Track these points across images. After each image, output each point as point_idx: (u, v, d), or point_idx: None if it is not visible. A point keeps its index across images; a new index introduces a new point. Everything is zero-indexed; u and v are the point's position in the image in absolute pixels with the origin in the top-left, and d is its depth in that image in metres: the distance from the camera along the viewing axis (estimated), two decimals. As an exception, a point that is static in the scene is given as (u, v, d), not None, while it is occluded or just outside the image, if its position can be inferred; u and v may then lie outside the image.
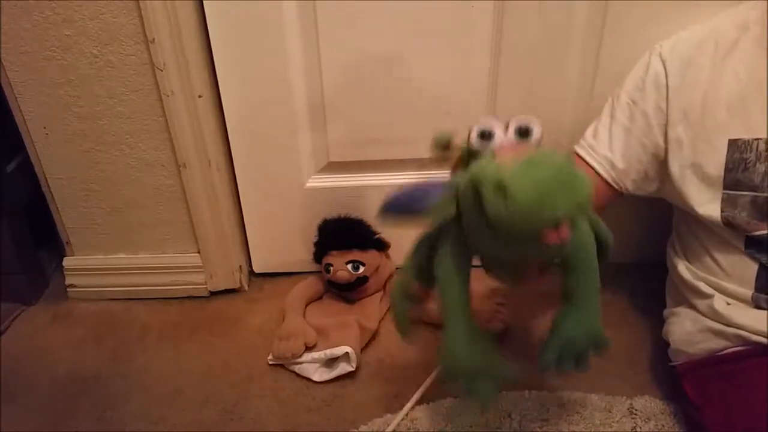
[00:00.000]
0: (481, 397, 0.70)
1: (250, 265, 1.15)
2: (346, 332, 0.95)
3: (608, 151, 0.83)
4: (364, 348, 0.97)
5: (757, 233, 0.72)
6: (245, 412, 0.88)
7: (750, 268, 0.74)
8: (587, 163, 0.84)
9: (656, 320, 0.91)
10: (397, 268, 1.05)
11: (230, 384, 0.93)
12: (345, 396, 0.90)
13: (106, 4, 0.86)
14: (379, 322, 1.01)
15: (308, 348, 0.94)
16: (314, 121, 1.00)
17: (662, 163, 0.80)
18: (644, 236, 1.07)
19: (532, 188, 0.50)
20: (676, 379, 0.82)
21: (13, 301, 1.11)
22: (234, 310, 1.08)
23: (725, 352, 0.75)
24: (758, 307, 0.74)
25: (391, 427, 0.83)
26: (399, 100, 0.96)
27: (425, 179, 0.63)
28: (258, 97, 0.97)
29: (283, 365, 0.95)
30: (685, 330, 0.81)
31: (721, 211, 0.74)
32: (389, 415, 0.85)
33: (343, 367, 0.92)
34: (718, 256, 0.78)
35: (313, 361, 0.93)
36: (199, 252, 1.09)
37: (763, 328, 0.71)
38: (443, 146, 0.64)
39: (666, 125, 0.77)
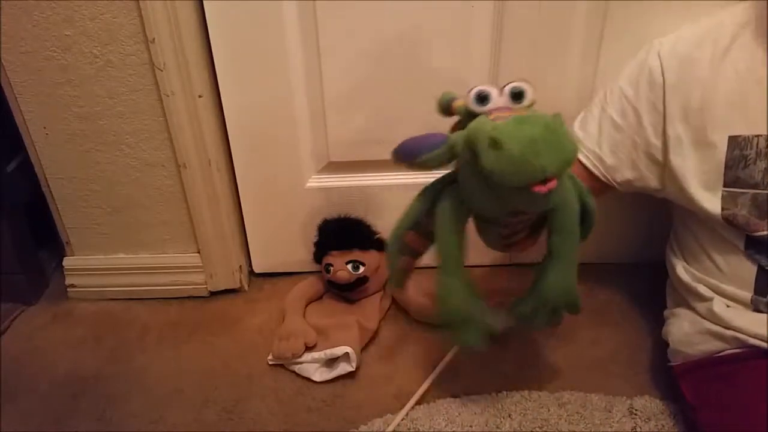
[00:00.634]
0: (471, 343, 0.77)
1: (250, 265, 1.15)
2: (346, 332, 0.95)
3: (596, 145, 0.82)
4: (364, 348, 0.97)
5: (758, 234, 0.72)
6: (245, 412, 0.88)
7: (749, 271, 0.74)
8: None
9: (656, 320, 0.91)
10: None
11: (230, 384, 0.93)
12: (345, 396, 0.90)
13: (106, 4, 0.86)
14: (379, 322, 1.01)
15: (308, 348, 0.94)
16: (314, 121, 1.00)
17: (658, 161, 0.80)
18: (644, 236, 1.07)
19: (523, 143, 0.56)
20: (674, 380, 0.82)
21: (13, 301, 1.11)
22: (234, 310, 1.08)
23: (723, 353, 0.75)
24: (757, 310, 0.74)
25: (391, 427, 0.83)
26: (399, 100, 0.96)
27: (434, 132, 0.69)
28: (258, 96, 0.97)
29: (283, 365, 0.95)
30: (684, 331, 0.81)
31: (722, 209, 0.74)
32: (389, 415, 0.85)
33: (343, 367, 0.92)
34: (717, 258, 0.77)
35: (313, 361, 0.93)
36: (199, 252, 1.09)
37: (761, 331, 0.71)
38: (445, 107, 0.71)
39: (663, 123, 0.77)
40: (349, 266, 0.99)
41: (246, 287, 1.13)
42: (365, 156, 1.03)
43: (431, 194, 0.74)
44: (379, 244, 1.03)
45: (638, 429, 0.82)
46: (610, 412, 0.84)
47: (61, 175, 1.02)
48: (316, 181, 1.06)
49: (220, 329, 1.04)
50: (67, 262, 1.12)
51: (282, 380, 0.93)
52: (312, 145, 1.02)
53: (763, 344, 0.71)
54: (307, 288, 1.06)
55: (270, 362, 0.96)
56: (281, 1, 0.89)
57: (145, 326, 1.06)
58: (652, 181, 0.82)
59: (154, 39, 0.87)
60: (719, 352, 0.75)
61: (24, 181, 1.05)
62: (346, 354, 0.91)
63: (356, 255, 1.00)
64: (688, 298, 0.82)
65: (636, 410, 0.84)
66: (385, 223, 1.00)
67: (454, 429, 0.83)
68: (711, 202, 0.75)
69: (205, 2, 0.89)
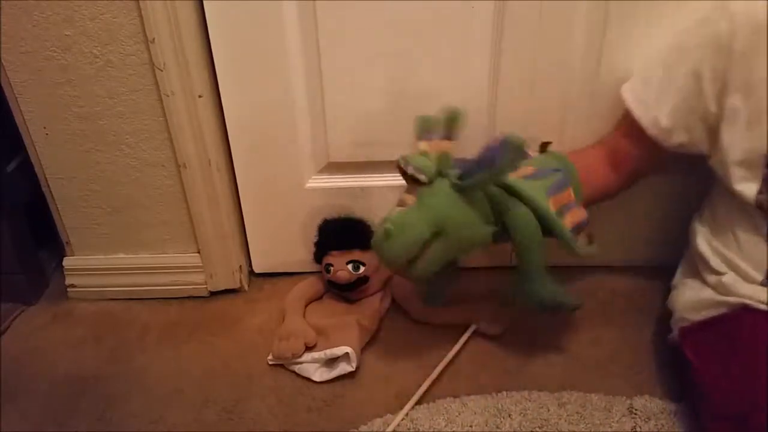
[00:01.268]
0: (558, 311, 0.92)
1: (250, 265, 1.15)
2: (346, 332, 0.95)
3: (655, 106, 0.81)
4: (364, 348, 0.96)
5: None
6: (245, 412, 0.88)
7: (765, 255, 0.74)
8: (633, 113, 0.83)
9: (656, 320, 0.92)
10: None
11: (230, 384, 0.93)
12: (345, 396, 0.90)
13: (106, 4, 0.86)
14: (379, 322, 1.01)
15: (308, 348, 0.94)
16: (314, 121, 1.00)
17: (713, 129, 0.76)
18: (644, 236, 1.07)
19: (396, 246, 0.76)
20: (675, 352, 0.82)
21: (13, 301, 1.11)
22: (234, 310, 1.08)
23: (725, 313, 0.76)
24: None
25: (391, 427, 0.83)
26: (399, 101, 0.96)
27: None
28: (258, 97, 0.97)
29: (283, 365, 0.95)
30: (690, 299, 0.82)
31: (758, 192, 0.73)
32: (389, 415, 0.85)
33: (343, 367, 0.92)
34: (741, 235, 0.77)
35: (313, 361, 0.93)
36: (199, 252, 1.09)
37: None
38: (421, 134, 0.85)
39: (723, 91, 0.73)
40: (350, 266, 0.99)
41: (246, 287, 1.13)
42: (365, 156, 1.02)
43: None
44: (379, 244, 1.03)
45: (638, 429, 0.82)
46: (609, 411, 0.84)
47: (61, 175, 1.02)
48: (316, 182, 1.06)
49: (220, 329, 1.04)
50: (67, 262, 1.12)
51: (282, 380, 0.93)
52: (312, 145, 1.02)
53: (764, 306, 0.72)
54: (307, 288, 1.06)
55: (270, 362, 0.96)
56: (281, 1, 0.89)
57: (145, 326, 1.05)
58: (704, 146, 0.80)
59: (154, 39, 0.87)
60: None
61: (24, 181, 1.05)
62: (346, 354, 0.91)
63: (356, 255, 1.00)
64: (701, 267, 0.82)
65: (636, 410, 0.84)
66: (385, 223, 1.00)
67: (454, 429, 0.83)
68: (748, 183, 0.73)
69: (205, 2, 0.89)
